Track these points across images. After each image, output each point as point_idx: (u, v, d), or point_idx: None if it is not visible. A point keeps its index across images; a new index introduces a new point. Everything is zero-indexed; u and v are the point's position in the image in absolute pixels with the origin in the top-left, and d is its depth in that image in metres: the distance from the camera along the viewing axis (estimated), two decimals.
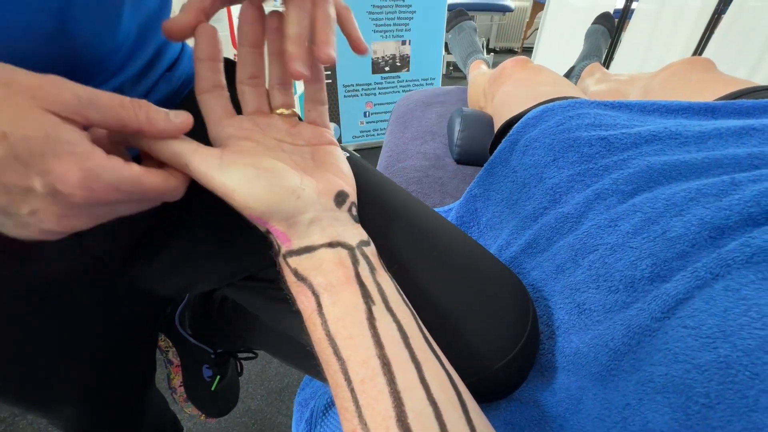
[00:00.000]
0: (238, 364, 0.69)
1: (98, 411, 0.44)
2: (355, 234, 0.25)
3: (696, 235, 0.26)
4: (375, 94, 1.85)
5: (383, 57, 1.78)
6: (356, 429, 0.20)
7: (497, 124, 0.58)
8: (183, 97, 0.33)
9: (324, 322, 0.23)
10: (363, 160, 0.35)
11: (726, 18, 1.39)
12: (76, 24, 0.22)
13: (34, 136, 0.17)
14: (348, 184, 0.27)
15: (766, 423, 0.18)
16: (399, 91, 1.88)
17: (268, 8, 0.27)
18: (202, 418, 0.66)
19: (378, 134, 1.94)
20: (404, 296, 0.25)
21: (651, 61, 1.65)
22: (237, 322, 0.52)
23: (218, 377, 0.62)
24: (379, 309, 0.23)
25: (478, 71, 0.92)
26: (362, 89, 1.82)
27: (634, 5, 1.64)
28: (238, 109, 0.27)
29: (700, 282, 0.24)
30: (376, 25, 1.71)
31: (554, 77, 0.61)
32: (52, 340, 0.34)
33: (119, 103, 0.19)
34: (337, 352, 0.22)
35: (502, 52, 3.50)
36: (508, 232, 0.41)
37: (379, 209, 0.30)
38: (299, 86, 1.88)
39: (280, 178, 0.23)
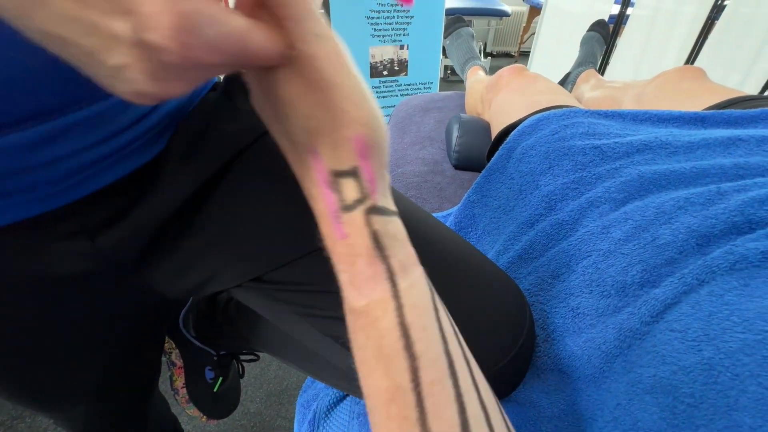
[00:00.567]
0: (240, 366, 0.70)
1: (108, 410, 0.45)
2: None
3: (684, 243, 0.27)
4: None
5: (381, 61, 1.80)
6: None
7: (494, 131, 0.60)
8: (193, 106, 0.34)
9: (399, 308, 0.18)
10: None
11: (719, 24, 1.41)
12: None
13: None
14: None
15: (746, 421, 0.19)
16: (397, 95, 1.89)
17: None
18: (203, 419, 0.66)
19: None
20: None
21: (646, 66, 1.67)
22: (241, 324, 0.53)
23: (220, 379, 0.63)
24: (436, 296, 0.20)
25: (476, 77, 0.94)
26: None
27: (629, 11, 1.67)
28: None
29: (687, 288, 0.25)
30: (375, 29, 1.73)
31: (550, 85, 0.63)
32: (67, 340, 0.35)
33: None
34: (409, 346, 0.18)
35: (499, 56, 3.53)
36: (505, 237, 0.42)
37: None
38: None
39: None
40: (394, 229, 0.19)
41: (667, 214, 0.29)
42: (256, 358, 0.67)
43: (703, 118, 0.42)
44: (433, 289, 0.20)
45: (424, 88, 1.92)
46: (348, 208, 0.18)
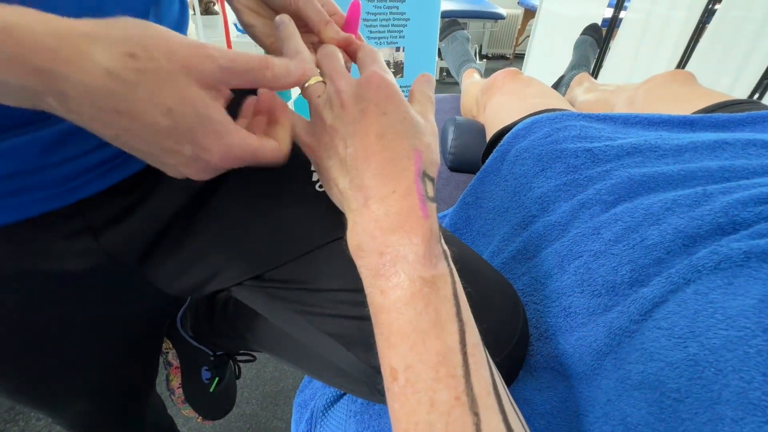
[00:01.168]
0: (237, 366, 0.70)
1: (106, 409, 0.45)
2: None
3: (671, 243, 0.28)
4: None
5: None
6: (460, 396, 0.20)
7: (489, 134, 0.61)
8: None
9: (453, 282, 0.23)
10: None
11: (710, 28, 1.44)
12: None
13: (191, 113, 0.20)
14: None
15: (728, 414, 0.20)
16: None
17: None
18: (199, 420, 0.66)
19: None
20: None
21: (638, 69, 1.69)
22: (239, 323, 0.53)
23: (217, 379, 0.63)
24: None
25: (471, 80, 0.95)
26: None
27: (621, 14, 1.69)
28: None
29: (674, 287, 0.26)
30: (371, 31, 1.73)
31: (543, 89, 0.64)
32: (68, 337, 0.35)
33: (250, 68, 0.22)
34: (459, 313, 0.22)
35: (494, 59, 3.55)
36: (499, 238, 0.43)
37: None
38: (293, 92, 1.89)
39: None
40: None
41: (655, 216, 0.30)
42: (252, 358, 0.67)
43: (691, 122, 0.43)
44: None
45: None
46: (428, 199, 0.24)
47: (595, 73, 1.67)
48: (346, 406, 0.36)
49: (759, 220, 0.26)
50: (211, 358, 0.61)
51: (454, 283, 0.23)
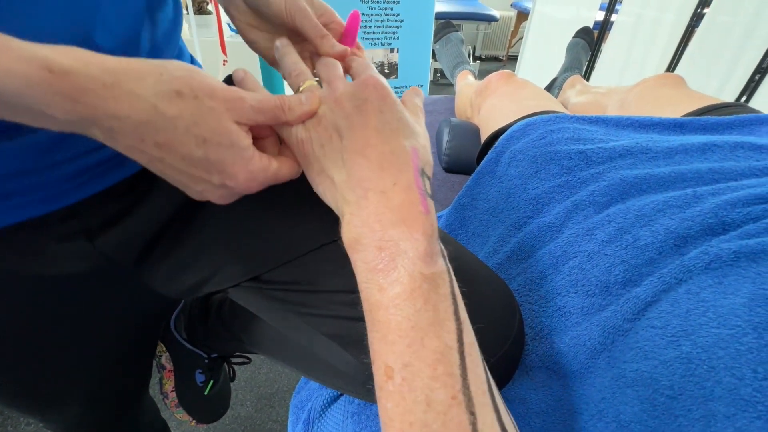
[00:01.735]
0: (231, 369, 0.69)
1: (100, 412, 0.45)
2: None
3: (663, 244, 0.29)
4: None
5: (372, 64, 1.81)
6: (457, 395, 0.20)
7: (484, 135, 0.61)
8: None
9: (451, 280, 0.23)
10: None
11: (699, 32, 1.46)
12: (101, 35, 0.24)
13: (224, 144, 0.22)
14: None
15: (720, 410, 0.20)
16: None
17: None
18: (192, 424, 0.66)
19: None
20: None
21: (629, 72, 1.72)
22: (235, 325, 0.53)
23: (211, 382, 0.62)
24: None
25: (465, 82, 0.95)
26: None
27: (613, 17, 1.71)
28: None
29: (666, 286, 0.26)
30: (365, 32, 1.74)
31: (537, 91, 0.64)
32: (64, 340, 0.35)
33: (274, 106, 0.25)
34: (456, 311, 0.22)
35: (488, 60, 3.57)
36: (494, 239, 0.43)
37: None
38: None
39: None
40: None
41: (647, 217, 0.31)
42: (247, 360, 0.67)
43: (681, 125, 0.44)
44: None
45: None
46: (428, 195, 0.24)
47: (587, 76, 1.69)
48: (343, 407, 0.36)
49: (747, 220, 0.27)
50: (206, 361, 0.61)
51: (451, 281, 0.23)
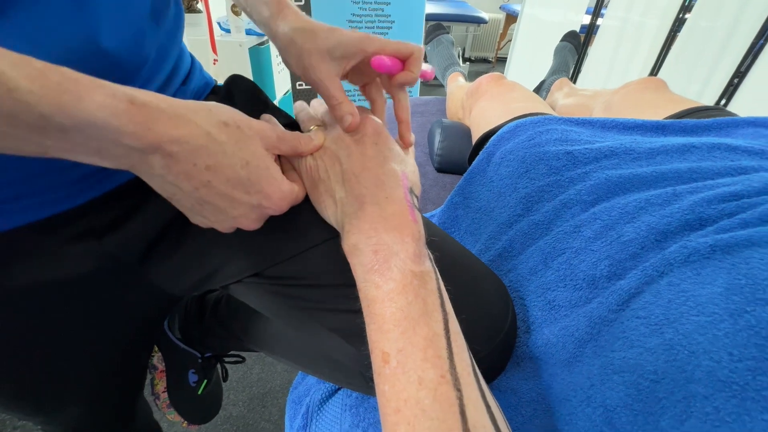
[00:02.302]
0: (224, 369, 0.70)
1: (100, 411, 0.45)
2: None
3: (645, 239, 0.30)
4: (355, 100, 1.87)
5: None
6: (445, 375, 0.22)
7: (475, 136, 0.63)
8: None
9: (437, 278, 0.27)
10: None
11: (681, 36, 1.51)
12: (107, 39, 0.25)
13: (262, 167, 0.26)
14: None
15: (699, 391, 0.22)
16: None
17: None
18: (184, 425, 0.66)
19: None
20: None
21: (615, 74, 1.76)
22: (233, 323, 0.53)
23: (205, 381, 0.62)
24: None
25: (456, 83, 0.97)
26: None
27: (599, 21, 1.75)
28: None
29: (649, 279, 0.28)
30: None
31: (526, 93, 0.66)
32: (67, 340, 0.35)
33: (293, 138, 0.29)
34: (443, 304, 0.25)
35: (477, 62, 3.61)
36: (486, 237, 0.45)
37: None
38: (278, 94, 1.88)
39: None
40: None
41: (630, 214, 0.32)
42: (241, 359, 0.67)
43: (662, 127, 0.46)
44: None
45: None
46: (415, 207, 0.28)
47: (574, 78, 1.73)
48: (341, 401, 0.37)
49: (722, 216, 0.28)
50: (199, 361, 0.61)
51: (437, 279, 0.26)
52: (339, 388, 0.40)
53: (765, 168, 0.33)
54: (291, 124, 0.39)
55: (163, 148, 0.22)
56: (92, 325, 0.37)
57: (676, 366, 0.24)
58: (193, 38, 1.67)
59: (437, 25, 1.23)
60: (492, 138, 0.50)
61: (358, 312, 0.26)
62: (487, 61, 3.65)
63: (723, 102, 1.39)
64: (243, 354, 0.67)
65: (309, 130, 0.34)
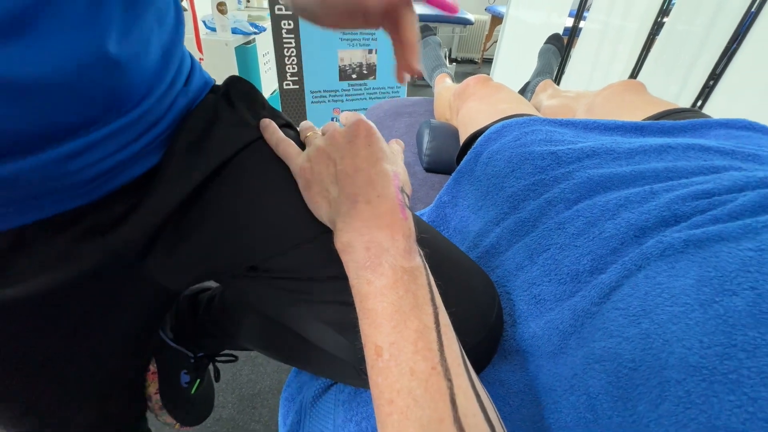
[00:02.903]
0: (216, 369, 0.69)
1: (110, 415, 0.44)
2: None
3: (624, 235, 0.32)
4: (342, 101, 1.88)
5: (350, 65, 1.82)
6: (436, 366, 0.23)
7: (463, 136, 0.64)
8: (195, 105, 0.36)
9: (427, 273, 0.27)
10: None
11: (659, 39, 1.56)
12: (115, 46, 0.25)
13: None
14: None
15: (673, 377, 0.23)
16: (366, 98, 1.92)
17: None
18: (176, 426, 0.65)
19: None
20: None
21: (597, 76, 1.81)
22: (226, 321, 0.54)
23: (197, 381, 0.62)
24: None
25: (444, 85, 0.99)
26: (330, 96, 1.85)
27: (581, 24, 1.80)
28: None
29: (628, 272, 0.30)
30: (343, 33, 1.74)
31: (512, 95, 0.68)
32: (76, 343, 0.35)
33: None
34: (433, 298, 0.26)
35: (464, 62, 3.65)
36: (474, 234, 0.46)
37: None
38: (266, 92, 1.87)
39: None
40: None
41: (610, 211, 0.34)
42: (234, 358, 0.67)
43: (641, 128, 0.48)
44: None
45: (392, 92, 1.96)
46: (406, 206, 0.29)
47: (558, 79, 1.77)
48: (334, 396, 0.38)
49: (695, 212, 0.30)
50: (192, 361, 0.61)
51: (427, 275, 0.27)
52: (332, 384, 0.40)
53: (735, 167, 0.35)
54: (287, 125, 0.40)
55: None
56: (97, 324, 0.36)
57: (651, 354, 0.25)
58: None
59: (425, 27, 1.25)
60: (479, 138, 0.52)
61: (352, 305, 0.27)
62: (473, 62, 3.69)
63: (699, 103, 1.44)
64: (235, 353, 0.67)
65: (306, 137, 0.36)
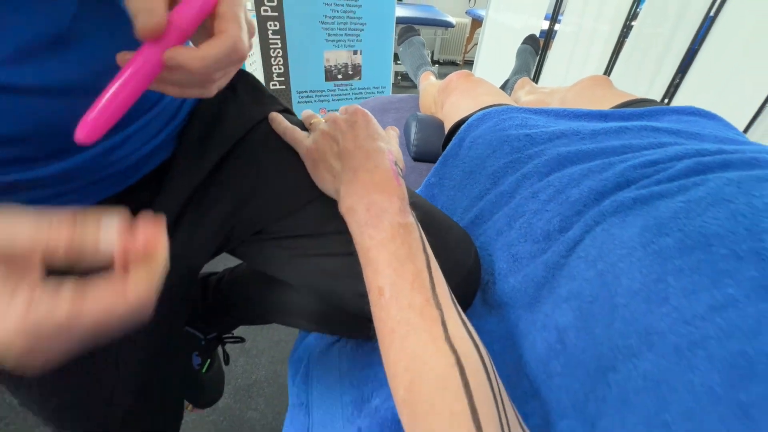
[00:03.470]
0: (225, 352, 0.72)
1: (150, 402, 0.43)
2: None
3: (586, 198, 0.38)
4: (328, 101, 1.92)
5: (336, 65, 1.86)
6: (429, 299, 0.28)
7: (447, 126, 0.69)
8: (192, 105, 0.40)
9: (419, 227, 0.33)
10: None
11: (629, 41, 1.66)
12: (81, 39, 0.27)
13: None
14: None
15: (621, 302, 0.29)
16: (352, 98, 1.96)
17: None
18: (189, 408, 0.67)
19: None
20: None
21: (572, 74, 1.90)
22: (235, 298, 0.57)
23: (208, 361, 0.65)
24: None
25: (428, 81, 1.04)
26: (316, 96, 1.88)
27: (556, 27, 1.89)
28: None
29: (588, 228, 0.35)
30: (329, 34, 1.79)
31: (492, 88, 0.74)
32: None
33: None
34: (424, 247, 0.31)
35: (446, 64, 3.73)
36: (461, 210, 0.51)
37: None
38: None
39: None
40: None
41: (576, 180, 0.40)
42: (241, 340, 0.70)
43: (605, 115, 0.54)
44: None
45: (378, 92, 2.01)
46: (399, 175, 0.35)
47: (535, 78, 1.85)
48: (338, 350, 0.43)
49: (643, 178, 0.36)
50: (202, 343, 0.64)
51: (419, 229, 0.33)
52: (336, 341, 0.45)
53: (678, 143, 0.41)
54: (286, 110, 0.45)
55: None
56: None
57: (605, 288, 0.31)
58: None
59: (409, 28, 1.30)
60: (463, 126, 0.57)
61: (353, 254, 0.32)
62: (455, 64, 3.78)
63: (666, 100, 1.54)
64: (241, 336, 0.70)
65: (310, 123, 0.41)
